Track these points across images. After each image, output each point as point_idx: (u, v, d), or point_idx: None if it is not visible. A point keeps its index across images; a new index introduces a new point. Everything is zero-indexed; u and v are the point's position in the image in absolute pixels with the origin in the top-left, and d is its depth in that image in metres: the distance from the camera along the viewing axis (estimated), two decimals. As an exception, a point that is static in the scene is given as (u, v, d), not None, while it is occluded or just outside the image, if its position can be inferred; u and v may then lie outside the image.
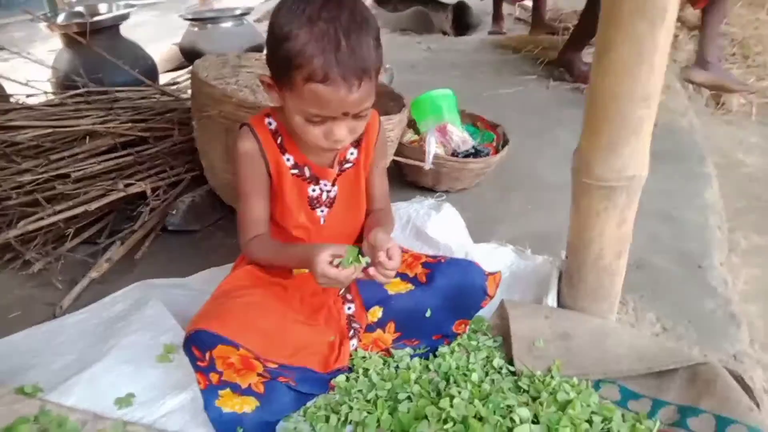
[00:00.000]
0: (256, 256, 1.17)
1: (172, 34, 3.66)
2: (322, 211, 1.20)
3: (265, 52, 1.04)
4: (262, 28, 4.03)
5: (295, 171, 1.14)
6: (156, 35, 4.10)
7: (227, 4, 4.03)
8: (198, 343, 0.98)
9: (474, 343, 1.22)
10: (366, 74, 0.94)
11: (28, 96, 2.10)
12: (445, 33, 4.52)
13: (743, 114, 3.17)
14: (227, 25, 3.04)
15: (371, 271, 1.05)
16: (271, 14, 0.99)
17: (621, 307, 1.35)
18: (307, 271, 1.21)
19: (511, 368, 1.15)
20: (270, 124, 1.12)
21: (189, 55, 3.01)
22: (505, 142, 2.00)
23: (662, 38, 0.93)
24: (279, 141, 1.12)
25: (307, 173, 1.15)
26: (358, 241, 1.32)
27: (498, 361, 1.16)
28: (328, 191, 1.19)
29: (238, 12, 3.12)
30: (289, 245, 1.17)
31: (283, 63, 0.94)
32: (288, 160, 1.13)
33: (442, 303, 1.20)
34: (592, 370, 1.09)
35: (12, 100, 2.14)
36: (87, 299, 1.45)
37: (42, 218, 1.56)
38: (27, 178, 1.65)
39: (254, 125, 1.11)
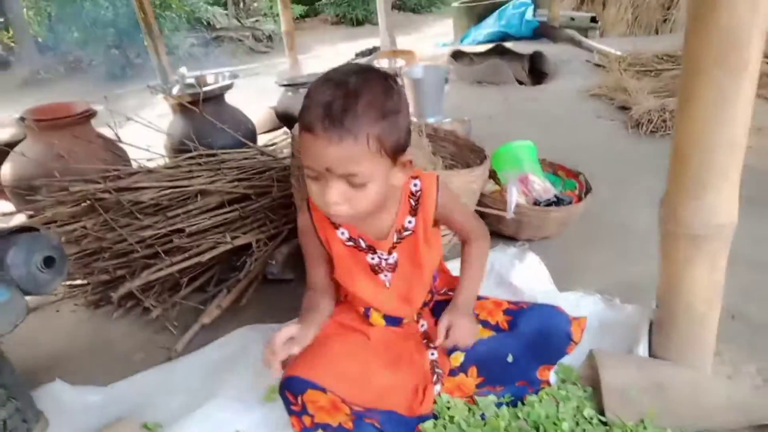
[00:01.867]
0: None
1: (267, 96, 3.99)
2: (385, 275, 1.23)
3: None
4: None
5: (351, 243, 1.19)
6: (253, 98, 4.46)
7: (314, 67, 4.36)
8: (290, 388, 1.08)
9: (563, 392, 1.22)
10: (351, 136, 0.93)
11: (148, 160, 2.38)
12: (521, 83, 4.59)
13: None
14: (316, 88, 3.28)
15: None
16: None
17: (716, 359, 1.30)
18: (383, 323, 1.29)
19: (603, 419, 1.15)
20: None
21: (283, 117, 3.28)
22: (588, 190, 2.01)
23: (745, 86, 0.95)
24: None
25: (363, 245, 1.19)
26: (431, 292, 1.36)
27: (589, 411, 1.16)
28: (386, 259, 1.21)
29: (325, 76, 3.37)
30: (308, 312, 1.23)
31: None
32: (342, 233, 1.18)
33: (525, 348, 1.22)
34: (688, 422, 1.07)
35: (134, 164, 2.43)
36: (198, 342, 1.60)
37: (161, 269, 1.75)
38: (148, 233, 1.87)
39: (310, 201, 1.16)
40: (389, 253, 1.20)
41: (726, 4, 0.90)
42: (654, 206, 1.15)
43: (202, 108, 2.50)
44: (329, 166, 0.96)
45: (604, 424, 1.13)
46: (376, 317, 1.28)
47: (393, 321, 1.29)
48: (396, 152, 1.01)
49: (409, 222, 1.20)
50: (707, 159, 1.01)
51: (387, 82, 1.00)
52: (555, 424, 1.13)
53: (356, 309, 1.29)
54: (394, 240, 1.19)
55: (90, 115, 2.46)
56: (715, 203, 1.03)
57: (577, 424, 1.14)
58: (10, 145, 2.41)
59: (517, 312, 1.24)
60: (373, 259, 1.21)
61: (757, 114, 3.09)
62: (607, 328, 1.43)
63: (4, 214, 2.45)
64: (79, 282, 1.91)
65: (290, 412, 1.09)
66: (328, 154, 0.95)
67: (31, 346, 1.67)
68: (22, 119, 2.38)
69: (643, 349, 1.25)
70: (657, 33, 6.27)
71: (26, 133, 2.43)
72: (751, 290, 1.59)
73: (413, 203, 1.19)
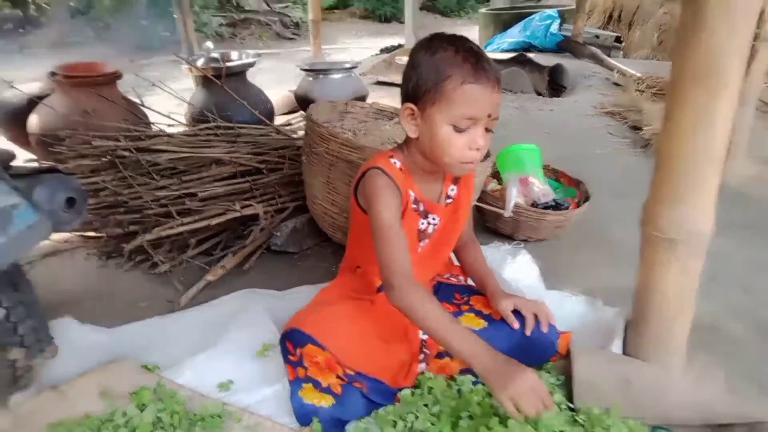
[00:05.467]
0: (415, 313, 1.12)
1: (288, 81, 4.08)
2: (424, 242, 1.33)
3: (401, 88, 1.19)
4: (367, 81, 4.38)
5: (414, 206, 1.26)
6: (274, 81, 4.55)
7: (337, 58, 4.44)
8: (292, 340, 1.16)
9: (537, 378, 1.30)
10: (500, 83, 1.11)
11: (168, 126, 2.47)
12: (540, 93, 4.65)
13: None
14: (337, 76, 3.37)
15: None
16: (409, 58, 1.17)
17: (689, 364, 1.37)
18: None
19: (571, 405, 1.22)
20: (396, 163, 1.23)
21: (302, 100, 3.36)
22: (587, 199, 2.08)
23: (724, 106, 1.01)
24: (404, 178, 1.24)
25: (422, 208, 1.28)
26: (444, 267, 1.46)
27: (558, 397, 1.23)
28: (435, 224, 1.31)
29: (347, 65, 3.46)
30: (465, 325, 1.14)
31: (432, 79, 1.10)
32: (411, 195, 1.24)
33: (512, 348, 1.27)
34: (649, 416, 1.15)
35: (154, 128, 2.53)
36: (200, 299, 1.69)
37: (172, 227, 1.84)
38: (163, 193, 1.96)
39: (383, 166, 1.20)
40: (441, 217, 1.30)
41: (708, 28, 0.96)
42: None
43: (224, 82, 2.58)
44: (492, 111, 1.11)
45: (572, 410, 1.21)
46: None
47: None
48: None
49: (452, 189, 1.32)
50: (685, 170, 1.08)
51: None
52: (525, 404, 1.20)
53: (370, 281, 1.35)
54: (443, 205, 1.30)
55: (116, 76, 2.56)
56: (691, 211, 1.10)
57: (546, 407, 1.21)
58: (39, 99, 2.51)
59: (513, 311, 1.30)
60: (422, 224, 1.29)
61: (765, 145, 3.13)
62: (587, 326, 1.50)
63: (29, 162, 2.55)
64: (93, 235, 2.01)
65: (286, 360, 1.19)
66: (493, 99, 1.10)
67: (45, 287, 1.75)
68: (53, 74, 2.48)
69: (616, 347, 1.33)
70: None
71: (55, 88, 2.53)
72: (737, 308, 1.66)
73: None
